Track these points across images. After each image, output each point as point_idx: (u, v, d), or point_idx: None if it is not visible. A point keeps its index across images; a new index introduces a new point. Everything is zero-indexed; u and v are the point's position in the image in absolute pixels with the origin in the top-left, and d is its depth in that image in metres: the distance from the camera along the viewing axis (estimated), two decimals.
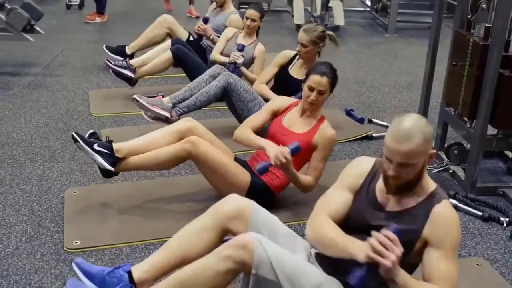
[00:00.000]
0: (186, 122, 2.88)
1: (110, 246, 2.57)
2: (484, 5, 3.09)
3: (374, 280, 1.75)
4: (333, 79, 2.81)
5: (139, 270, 2.02)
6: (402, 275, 1.73)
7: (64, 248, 2.54)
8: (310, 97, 2.76)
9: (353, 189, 1.96)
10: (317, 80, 2.75)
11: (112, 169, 2.73)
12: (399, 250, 1.67)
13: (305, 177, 2.78)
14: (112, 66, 4.26)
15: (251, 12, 4.17)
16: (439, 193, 1.86)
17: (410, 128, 1.73)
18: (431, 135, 1.79)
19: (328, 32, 3.63)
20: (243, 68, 4.10)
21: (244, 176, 2.78)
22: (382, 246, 1.66)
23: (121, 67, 4.28)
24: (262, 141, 2.76)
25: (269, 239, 1.89)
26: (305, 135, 2.81)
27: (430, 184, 1.88)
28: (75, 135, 2.71)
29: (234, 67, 3.98)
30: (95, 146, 2.71)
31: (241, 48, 4.06)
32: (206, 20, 4.58)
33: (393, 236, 1.68)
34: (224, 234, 2.08)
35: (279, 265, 1.81)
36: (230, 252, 1.83)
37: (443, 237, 1.79)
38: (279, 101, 3.07)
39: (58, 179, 3.17)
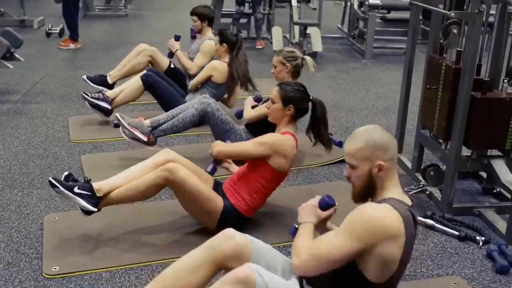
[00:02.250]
0: (163, 155, 2.89)
1: (90, 272, 2.55)
2: (455, 30, 3.19)
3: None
4: (286, 92, 2.84)
5: None
6: (306, 225, 1.99)
7: (43, 274, 2.52)
8: (266, 104, 2.96)
9: None
10: (273, 89, 2.91)
11: (95, 210, 2.69)
12: (313, 202, 2.06)
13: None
14: (89, 98, 4.29)
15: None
16: (387, 200, 1.86)
17: (358, 131, 1.93)
18: (380, 145, 1.87)
19: (304, 56, 3.70)
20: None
21: (217, 203, 2.79)
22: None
23: (97, 99, 4.31)
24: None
25: (266, 269, 1.90)
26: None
27: (388, 195, 1.89)
28: (53, 181, 2.65)
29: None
30: (76, 190, 2.66)
31: (176, 38, 4.69)
32: (177, 38, 4.77)
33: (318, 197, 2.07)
34: (219, 270, 2.05)
35: None
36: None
37: (346, 218, 1.84)
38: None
39: (37, 205, 3.16)
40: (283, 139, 2.83)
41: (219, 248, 2.01)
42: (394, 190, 1.92)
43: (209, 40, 4.72)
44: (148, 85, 4.30)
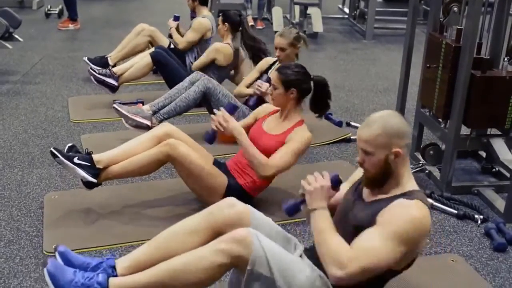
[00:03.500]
0: (162, 127, 2.90)
1: (90, 249, 2.57)
2: (455, 8, 3.17)
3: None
4: (286, 75, 2.80)
5: (122, 266, 1.97)
6: (321, 212, 1.85)
7: (44, 252, 2.54)
8: (268, 90, 2.93)
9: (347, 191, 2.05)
10: (272, 74, 2.89)
11: (95, 180, 2.72)
12: (324, 182, 1.88)
13: (262, 155, 2.75)
14: (96, 74, 4.27)
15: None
16: (415, 194, 1.84)
17: (374, 118, 1.85)
18: (398, 132, 1.81)
19: (301, 34, 3.71)
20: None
21: (221, 179, 2.81)
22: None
23: (104, 75, 4.30)
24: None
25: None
26: (278, 136, 2.85)
27: (409, 185, 1.88)
28: (54, 151, 2.69)
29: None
30: (75, 160, 2.70)
31: (175, 18, 4.62)
32: (176, 18, 4.72)
33: (326, 174, 1.91)
34: (217, 237, 1.99)
35: (275, 262, 1.81)
36: (227, 246, 1.81)
37: (388, 220, 1.75)
38: (264, 106, 3.13)
39: (38, 184, 3.17)
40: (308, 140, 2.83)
41: (218, 215, 2.01)
42: (409, 176, 1.90)
43: (202, 18, 4.70)
44: (157, 62, 4.28)
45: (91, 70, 4.34)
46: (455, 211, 3.01)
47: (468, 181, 3.37)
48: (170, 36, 4.79)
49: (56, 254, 1.98)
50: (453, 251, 2.71)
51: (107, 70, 4.33)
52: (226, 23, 4.23)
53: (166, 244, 1.98)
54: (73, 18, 7.01)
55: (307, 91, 2.88)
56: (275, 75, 2.85)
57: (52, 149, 2.72)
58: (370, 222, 1.80)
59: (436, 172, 3.39)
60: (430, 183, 3.38)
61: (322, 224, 1.84)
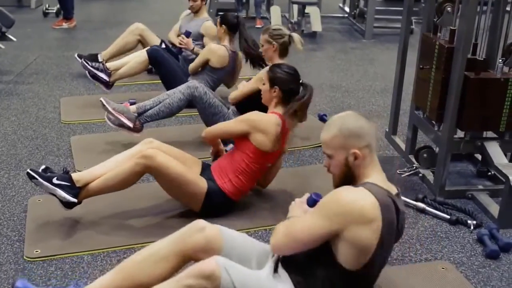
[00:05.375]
0: (146, 145, 2.82)
1: (72, 255, 2.52)
2: (449, 8, 3.10)
3: None
4: (273, 73, 2.84)
5: None
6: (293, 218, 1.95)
7: (24, 257, 2.49)
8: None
9: None
10: (263, 71, 2.93)
11: (75, 200, 2.64)
12: (302, 200, 2.03)
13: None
14: (89, 67, 4.22)
15: None
16: (365, 184, 1.83)
17: (332, 119, 1.90)
18: (354, 133, 1.83)
19: (291, 33, 3.60)
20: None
21: (201, 185, 2.74)
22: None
23: (97, 69, 4.25)
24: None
25: (239, 262, 1.85)
26: None
27: (367, 181, 1.86)
28: (31, 172, 2.60)
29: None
30: (55, 180, 2.61)
31: (187, 34, 4.35)
32: (188, 34, 4.49)
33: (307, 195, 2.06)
34: (187, 262, 1.98)
35: None
36: (193, 282, 1.73)
37: (321, 200, 1.87)
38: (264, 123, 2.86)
39: (23, 187, 3.12)
40: (263, 116, 2.81)
41: (188, 241, 1.95)
42: (375, 176, 1.87)
43: (207, 21, 4.63)
44: (154, 59, 4.22)
45: (83, 62, 4.28)
46: (448, 216, 2.94)
47: (463, 184, 3.29)
48: (179, 52, 4.56)
49: None
50: (444, 258, 2.64)
51: (100, 64, 4.28)
52: (223, 25, 4.16)
53: (135, 273, 1.93)
54: (67, 16, 6.97)
55: (290, 93, 2.82)
56: (265, 71, 2.92)
57: (29, 170, 2.61)
58: None
59: (430, 176, 3.31)
60: (424, 187, 3.31)
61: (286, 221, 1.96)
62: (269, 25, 3.73)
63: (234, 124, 2.87)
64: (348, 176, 1.86)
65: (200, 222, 2.01)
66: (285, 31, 3.57)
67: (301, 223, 1.83)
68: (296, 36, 3.56)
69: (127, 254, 2.53)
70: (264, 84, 2.88)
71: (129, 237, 2.66)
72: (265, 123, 2.77)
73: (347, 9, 8.44)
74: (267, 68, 3.06)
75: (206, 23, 4.61)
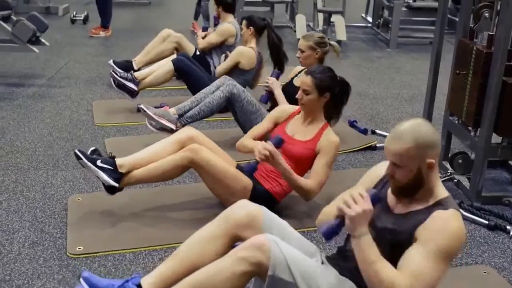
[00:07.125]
0: (185, 131, 2.88)
1: (113, 252, 2.55)
2: (486, 14, 3.11)
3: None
4: (320, 80, 2.75)
5: (147, 282, 1.95)
6: (366, 239, 1.71)
7: (67, 253, 2.52)
8: (297, 95, 2.81)
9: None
10: (302, 79, 2.80)
11: (116, 185, 2.70)
12: (367, 205, 1.71)
13: (304, 179, 2.74)
14: (118, 77, 4.26)
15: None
16: (448, 202, 1.78)
17: (404, 130, 1.74)
18: (430, 143, 1.73)
19: (331, 41, 3.65)
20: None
21: (245, 183, 2.77)
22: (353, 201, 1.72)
23: (126, 79, 4.29)
24: (253, 143, 2.81)
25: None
26: (308, 142, 2.80)
27: (441, 192, 1.82)
28: (78, 152, 2.70)
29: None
30: (98, 163, 2.69)
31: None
32: (205, 29, 4.69)
33: (365, 194, 1.74)
34: (234, 241, 2.02)
35: (295, 266, 1.78)
36: (246, 254, 1.79)
37: (431, 236, 1.70)
38: (281, 109, 3.09)
39: (62, 186, 3.16)
40: (338, 146, 2.82)
41: (231, 217, 2.01)
42: (439, 183, 1.83)
43: (227, 23, 4.69)
44: (179, 69, 4.26)
45: (113, 73, 4.32)
46: (486, 222, 2.93)
47: (499, 191, 3.28)
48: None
49: (81, 280, 1.98)
50: (485, 263, 2.62)
51: (129, 74, 4.32)
52: (251, 28, 4.21)
53: (187, 256, 1.98)
54: (105, 25, 7.04)
55: (338, 95, 2.85)
56: (308, 79, 2.76)
57: (76, 150, 2.72)
58: (409, 238, 1.75)
59: (465, 182, 3.30)
60: (459, 192, 3.30)
61: (372, 256, 1.71)
62: (310, 32, 3.76)
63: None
64: (416, 184, 1.78)
65: (243, 201, 2.07)
66: (327, 40, 3.64)
67: (429, 276, 1.68)
68: (336, 45, 3.63)
69: (168, 253, 2.55)
70: (308, 93, 2.76)
71: (171, 236, 2.67)
72: (337, 151, 2.83)
73: (369, 19, 8.47)
74: (228, 24, 3.39)
75: (224, 23, 4.69)
